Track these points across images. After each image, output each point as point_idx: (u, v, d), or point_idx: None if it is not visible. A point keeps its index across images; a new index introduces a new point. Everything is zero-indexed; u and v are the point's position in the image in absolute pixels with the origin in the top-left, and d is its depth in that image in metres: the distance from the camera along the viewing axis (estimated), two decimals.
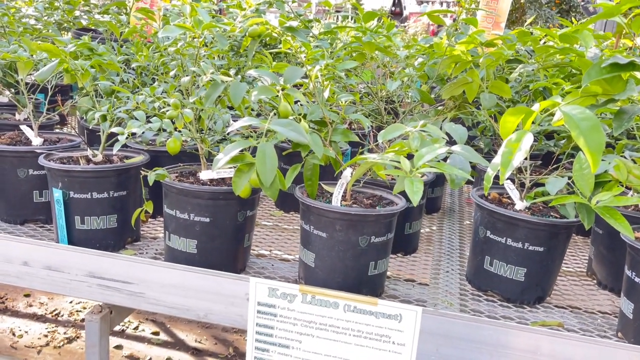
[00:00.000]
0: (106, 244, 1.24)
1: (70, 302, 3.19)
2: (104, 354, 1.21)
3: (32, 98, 1.46)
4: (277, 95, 1.00)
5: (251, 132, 1.24)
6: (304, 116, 1.12)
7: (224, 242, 1.15)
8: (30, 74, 1.41)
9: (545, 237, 1.12)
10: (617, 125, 0.87)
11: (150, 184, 1.09)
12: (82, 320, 3.04)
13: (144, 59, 1.26)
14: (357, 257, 1.09)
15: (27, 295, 3.23)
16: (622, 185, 0.94)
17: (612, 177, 0.95)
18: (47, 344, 2.76)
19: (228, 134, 1.18)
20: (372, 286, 1.13)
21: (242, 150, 1.00)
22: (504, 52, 1.20)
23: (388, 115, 1.40)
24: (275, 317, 1.07)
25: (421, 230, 1.63)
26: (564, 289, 1.29)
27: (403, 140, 0.96)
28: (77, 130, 1.87)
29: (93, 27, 2.28)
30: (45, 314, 3.06)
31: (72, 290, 1.15)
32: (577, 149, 1.20)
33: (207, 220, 1.12)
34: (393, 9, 15.07)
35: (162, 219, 1.33)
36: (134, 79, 1.39)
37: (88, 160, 1.27)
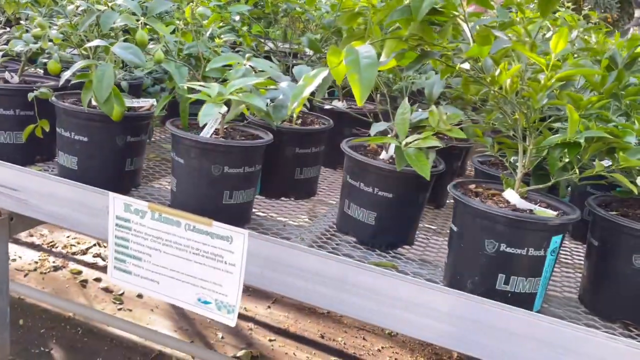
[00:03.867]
0: (14, 158, 1.37)
1: (68, 236, 3.42)
2: (1, 255, 1.36)
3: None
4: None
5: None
6: (180, 50, 1.21)
7: (102, 162, 1.26)
8: None
9: (393, 184, 1.16)
10: (407, 67, 0.90)
11: (30, 99, 1.21)
12: (74, 253, 3.29)
13: None
14: (211, 185, 1.17)
15: (39, 224, 3.49)
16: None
17: (428, 123, 0.98)
18: (35, 270, 3.00)
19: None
20: (229, 215, 1.21)
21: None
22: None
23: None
24: (130, 231, 1.17)
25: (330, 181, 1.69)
26: (432, 245, 1.32)
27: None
28: None
29: None
30: (42, 244, 3.31)
31: None
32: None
33: (86, 139, 1.23)
34: None
35: None
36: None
37: (6, 82, 1.40)
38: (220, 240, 1.10)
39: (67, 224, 1.24)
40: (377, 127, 1.04)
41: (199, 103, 1.01)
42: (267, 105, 1.19)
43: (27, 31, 1.37)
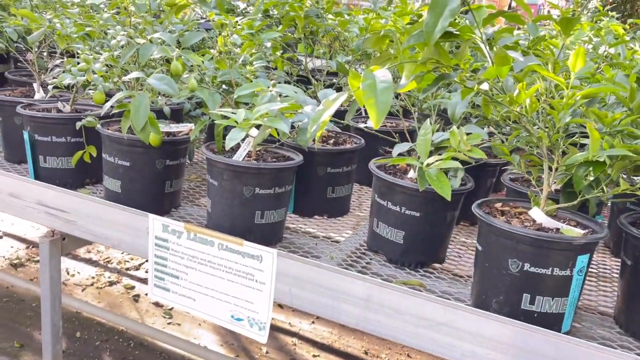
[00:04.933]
0: (65, 182, 1.47)
1: (122, 252, 3.58)
2: (54, 273, 1.45)
3: (45, 60, 1.74)
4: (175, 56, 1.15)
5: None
6: (215, 78, 1.27)
7: (143, 185, 1.33)
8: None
9: (420, 203, 1.17)
10: (424, 90, 0.92)
11: (77, 128, 1.30)
12: (127, 268, 3.43)
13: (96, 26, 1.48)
14: (243, 206, 1.22)
15: (89, 244, 3.68)
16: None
17: (449, 143, 0.99)
18: (92, 284, 3.15)
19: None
20: (261, 234, 1.25)
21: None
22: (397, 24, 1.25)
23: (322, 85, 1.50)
24: (168, 250, 1.23)
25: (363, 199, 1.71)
26: (464, 263, 1.31)
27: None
28: None
29: None
30: (99, 260, 3.48)
31: (26, 215, 1.40)
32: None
33: (128, 164, 1.31)
34: None
35: None
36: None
37: (59, 111, 1.51)
38: (251, 259, 1.14)
39: (111, 244, 1.31)
40: (400, 148, 1.06)
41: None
42: (296, 127, 1.23)
43: (78, 64, 1.48)
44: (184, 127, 1.40)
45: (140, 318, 2.86)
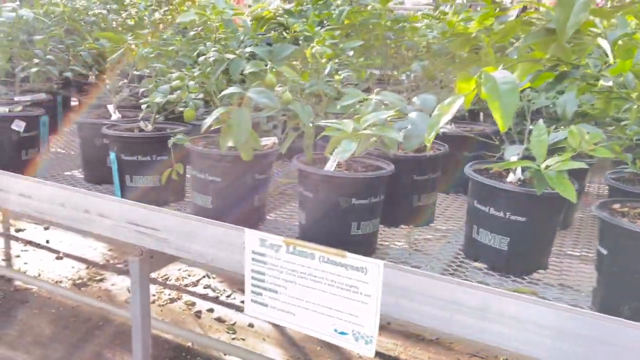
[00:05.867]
0: (151, 200, 1.48)
1: (179, 269, 3.61)
2: (144, 291, 1.46)
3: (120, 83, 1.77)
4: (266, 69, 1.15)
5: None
6: (302, 90, 1.26)
7: (234, 200, 1.32)
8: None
9: (525, 207, 1.13)
10: (546, 90, 0.88)
11: (169, 145, 1.30)
12: (186, 285, 3.45)
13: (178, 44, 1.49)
14: (339, 217, 1.20)
15: (175, 261, 3.72)
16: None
17: (567, 143, 0.95)
18: (153, 302, 3.18)
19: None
20: (357, 245, 1.22)
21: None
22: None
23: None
24: (266, 265, 1.22)
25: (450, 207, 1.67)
26: (567, 268, 1.26)
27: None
28: None
29: None
30: (157, 277, 3.50)
31: (116, 234, 1.41)
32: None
33: (219, 179, 1.30)
34: None
35: None
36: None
37: (141, 130, 1.52)
38: (354, 272, 1.12)
39: (204, 260, 1.31)
40: (512, 151, 1.02)
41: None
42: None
43: (156, 82, 1.49)
44: (267, 141, 1.39)
45: (204, 333, 2.86)
